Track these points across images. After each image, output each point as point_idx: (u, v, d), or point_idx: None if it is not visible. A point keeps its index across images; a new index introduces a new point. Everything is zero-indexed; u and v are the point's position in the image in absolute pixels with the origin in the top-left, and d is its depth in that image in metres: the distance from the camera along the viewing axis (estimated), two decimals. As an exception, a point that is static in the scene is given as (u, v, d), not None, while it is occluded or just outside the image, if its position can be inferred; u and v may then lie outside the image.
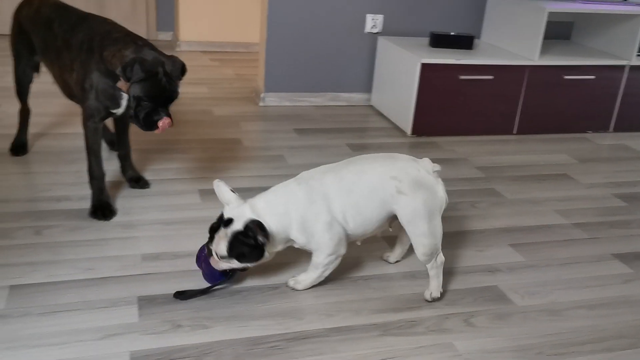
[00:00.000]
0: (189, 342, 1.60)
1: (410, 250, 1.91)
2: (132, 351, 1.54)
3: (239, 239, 1.67)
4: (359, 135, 3.27)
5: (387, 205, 1.75)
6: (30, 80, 2.55)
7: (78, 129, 2.17)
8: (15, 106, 2.67)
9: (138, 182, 2.43)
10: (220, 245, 1.68)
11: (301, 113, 3.54)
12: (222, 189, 1.73)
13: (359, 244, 1.89)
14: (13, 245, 1.97)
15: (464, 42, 3.44)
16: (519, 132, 3.49)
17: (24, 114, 2.65)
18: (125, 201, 2.32)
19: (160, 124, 1.98)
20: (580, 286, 2.00)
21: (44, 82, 3.24)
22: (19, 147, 2.65)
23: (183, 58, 4.59)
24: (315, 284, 1.85)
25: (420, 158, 1.82)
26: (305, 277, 1.84)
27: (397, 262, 2.04)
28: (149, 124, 1.98)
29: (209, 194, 2.42)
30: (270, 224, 1.70)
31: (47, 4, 2.29)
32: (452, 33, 3.46)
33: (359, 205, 1.74)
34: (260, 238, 1.67)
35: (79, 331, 1.60)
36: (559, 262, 2.15)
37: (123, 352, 1.54)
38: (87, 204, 2.23)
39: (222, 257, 1.70)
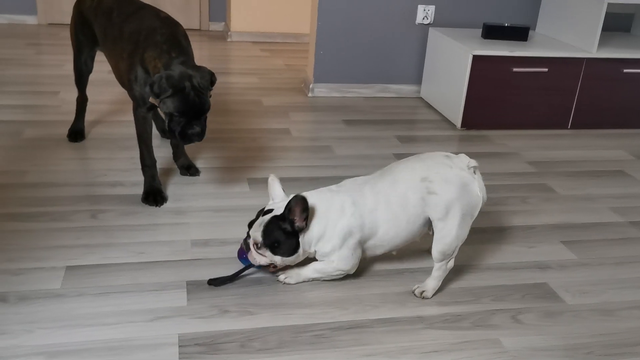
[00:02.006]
0: (235, 328, 1.63)
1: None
2: (180, 334, 1.58)
3: (275, 223, 1.69)
4: (408, 127, 3.24)
5: (420, 209, 1.72)
6: (90, 71, 2.63)
7: (132, 116, 2.22)
8: (73, 94, 2.76)
9: (189, 169, 2.48)
10: (257, 231, 1.70)
11: (350, 104, 3.54)
12: (274, 185, 1.78)
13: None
14: (70, 227, 2.04)
15: (518, 33, 3.36)
16: (574, 127, 3.39)
17: (82, 102, 2.73)
18: (177, 188, 2.37)
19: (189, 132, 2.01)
20: (635, 286, 1.94)
21: (100, 71, 3.35)
22: (77, 133, 2.74)
23: (233, 48, 4.68)
24: (306, 282, 1.82)
25: (468, 152, 1.79)
26: (303, 272, 1.81)
27: None
28: (184, 138, 2.02)
29: (258, 182, 2.45)
30: (309, 222, 1.71)
31: None
32: (506, 24, 3.38)
33: (397, 217, 1.72)
34: (298, 222, 1.67)
35: (131, 312, 1.65)
36: (613, 260, 2.08)
37: (171, 334, 1.58)
38: (139, 190, 2.30)
39: (257, 246, 1.71)
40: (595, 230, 2.28)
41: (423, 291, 1.79)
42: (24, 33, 4.62)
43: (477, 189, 1.71)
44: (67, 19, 4.81)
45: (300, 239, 1.71)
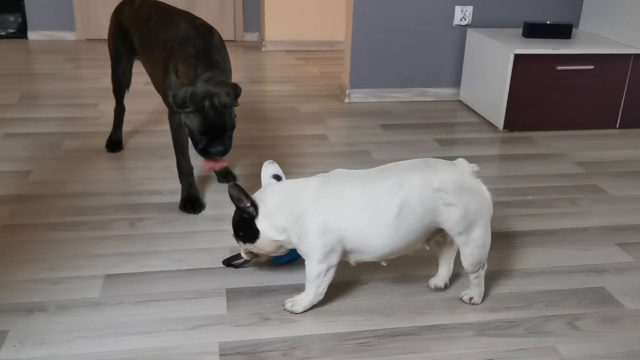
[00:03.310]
0: (276, 336, 1.57)
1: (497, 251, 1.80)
2: (220, 342, 1.54)
3: (237, 213, 1.67)
4: (448, 130, 3.16)
5: (429, 222, 1.55)
6: (128, 81, 2.63)
7: (168, 126, 2.21)
8: (111, 106, 2.78)
9: (226, 176, 2.45)
10: None
11: (387, 109, 3.47)
12: (265, 171, 1.72)
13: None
14: (109, 236, 2.03)
15: (561, 31, 3.25)
16: (623, 126, 3.25)
17: (119, 112, 2.74)
18: (214, 195, 2.34)
19: (206, 164, 2.02)
20: (700, 290, 1.81)
21: (137, 82, 3.36)
22: (115, 143, 2.75)
23: (268, 57, 4.68)
24: (315, 302, 1.65)
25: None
26: (303, 297, 1.66)
27: (446, 286, 1.77)
28: (206, 155, 2.00)
29: (296, 188, 2.40)
30: (269, 204, 1.61)
31: (147, 3, 2.35)
32: (547, 22, 3.28)
33: (389, 223, 1.54)
34: (246, 208, 1.60)
35: (170, 320, 1.62)
36: (674, 263, 1.96)
37: (212, 342, 1.54)
38: (177, 198, 2.28)
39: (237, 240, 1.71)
40: (652, 232, 2.16)
41: (471, 297, 1.71)
42: (63, 49, 4.71)
43: (487, 191, 1.59)
44: (105, 34, 4.87)
45: (263, 225, 1.61)
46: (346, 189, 1.57)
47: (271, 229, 1.62)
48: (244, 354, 1.50)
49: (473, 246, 1.59)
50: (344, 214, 1.55)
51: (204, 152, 1.99)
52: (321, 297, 1.65)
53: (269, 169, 1.74)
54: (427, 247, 1.67)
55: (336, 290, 1.76)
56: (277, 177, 1.72)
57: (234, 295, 1.73)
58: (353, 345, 1.55)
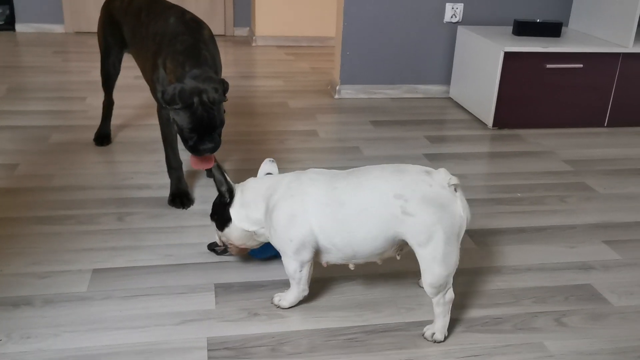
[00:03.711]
0: (265, 331, 1.57)
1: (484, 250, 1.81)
2: (209, 337, 1.53)
3: (217, 199, 1.70)
4: (438, 127, 3.16)
5: (389, 228, 1.48)
6: (117, 74, 2.60)
7: (157, 120, 2.19)
8: (99, 99, 2.75)
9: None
10: None
11: (377, 105, 3.47)
12: (261, 169, 1.77)
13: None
14: (97, 230, 2.01)
15: (551, 29, 3.26)
16: (611, 125, 3.27)
17: (108, 106, 2.72)
18: (204, 190, 2.33)
19: (194, 163, 2.01)
20: (685, 287, 1.83)
21: (126, 76, 3.34)
22: (103, 137, 2.73)
23: (258, 52, 4.66)
24: (300, 298, 1.65)
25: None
26: (288, 293, 1.66)
27: None
28: (195, 152, 1.98)
29: (285, 184, 2.39)
30: (247, 195, 1.65)
31: None
32: (537, 20, 3.29)
33: (349, 223, 1.50)
34: (222, 187, 1.65)
35: (158, 315, 1.61)
36: (660, 261, 1.98)
37: (200, 338, 1.53)
38: (166, 193, 2.26)
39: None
40: (639, 230, 2.17)
41: (433, 333, 1.56)
42: (51, 41, 4.66)
43: (460, 209, 1.46)
44: (93, 27, 4.84)
45: (238, 214, 1.65)
46: (315, 184, 1.57)
47: (245, 219, 1.65)
48: (232, 349, 1.50)
49: (431, 263, 1.47)
50: (310, 207, 1.54)
51: (194, 150, 1.98)
52: (305, 292, 1.65)
53: (266, 167, 1.76)
54: (398, 257, 1.61)
55: (325, 285, 1.76)
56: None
57: (222, 290, 1.73)
58: (342, 340, 1.55)
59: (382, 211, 1.48)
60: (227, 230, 1.68)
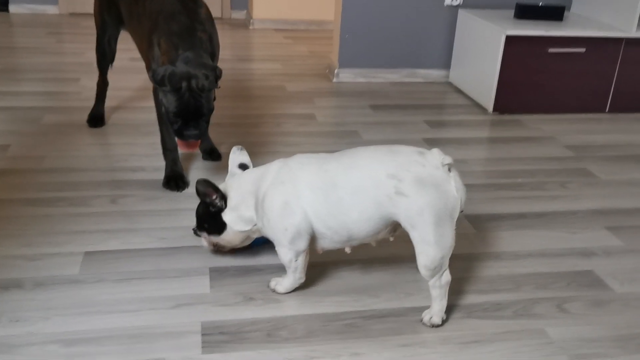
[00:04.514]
0: (260, 316, 1.53)
1: (487, 233, 1.77)
2: (203, 321, 1.50)
3: (202, 206, 1.64)
4: (437, 112, 3.12)
5: (383, 209, 1.45)
6: (113, 53, 2.55)
7: (153, 102, 2.14)
8: (93, 81, 2.70)
9: (211, 154, 2.40)
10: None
11: (376, 89, 3.42)
12: (231, 159, 1.70)
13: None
14: (90, 212, 1.97)
15: (553, 13, 3.21)
16: (612, 110, 3.23)
17: (102, 87, 2.67)
18: (199, 173, 2.29)
19: (180, 145, 1.98)
20: (688, 274, 1.80)
21: (121, 58, 3.28)
22: (97, 119, 2.68)
23: (256, 35, 4.59)
24: (296, 285, 1.61)
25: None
26: (284, 279, 1.63)
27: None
28: (180, 136, 1.95)
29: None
30: (233, 196, 1.60)
31: None
32: (540, 3, 3.23)
33: (343, 204, 1.47)
34: (214, 202, 1.60)
35: (152, 299, 1.57)
36: (663, 247, 1.95)
37: (194, 322, 1.50)
38: (161, 175, 2.22)
39: (195, 232, 1.70)
40: (641, 216, 2.14)
41: (431, 317, 1.53)
42: (45, 22, 4.59)
43: (454, 189, 1.43)
44: (88, 8, 4.76)
45: (230, 218, 1.60)
46: (305, 168, 1.53)
47: (238, 220, 1.60)
48: (227, 333, 1.46)
49: (425, 245, 1.44)
50: (302, 192, 1.50)
51: (178, 134, 1.95)
52: (301, 280, 1.61)
53: (237, 156, 1.71)
54: (391, 239, 1.58)
55: (322, 270, 1.73)
56: (243, 167, 1.69)
57: (217, 274, 1.69)
58: (339, 325, 1.51)
59: (375, 191, 1.44)
60: (224, 235, 1.64)
